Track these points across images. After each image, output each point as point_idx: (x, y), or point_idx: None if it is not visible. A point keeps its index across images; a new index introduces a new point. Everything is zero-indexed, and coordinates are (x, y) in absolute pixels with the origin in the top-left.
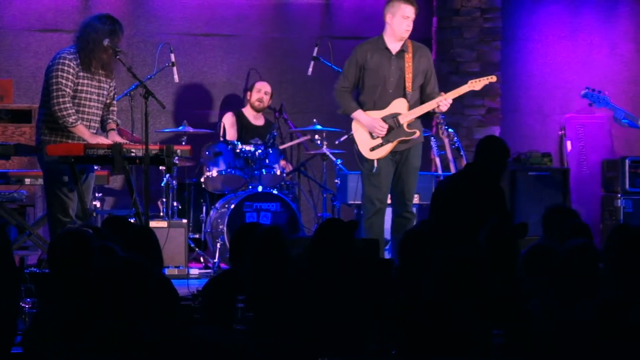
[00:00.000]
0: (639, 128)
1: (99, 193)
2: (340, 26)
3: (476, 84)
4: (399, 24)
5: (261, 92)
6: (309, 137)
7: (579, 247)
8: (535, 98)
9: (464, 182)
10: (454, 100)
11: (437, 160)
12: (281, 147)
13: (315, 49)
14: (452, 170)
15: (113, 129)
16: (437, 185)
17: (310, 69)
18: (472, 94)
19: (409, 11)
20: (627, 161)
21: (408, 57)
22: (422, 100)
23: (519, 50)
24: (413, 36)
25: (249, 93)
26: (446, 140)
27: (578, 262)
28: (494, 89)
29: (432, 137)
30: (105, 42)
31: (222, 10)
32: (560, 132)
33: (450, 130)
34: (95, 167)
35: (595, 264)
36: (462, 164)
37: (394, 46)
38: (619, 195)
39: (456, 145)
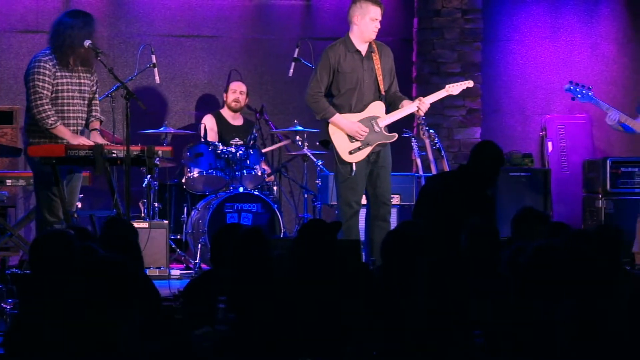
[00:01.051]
0: (633, 131)
1: (80, 194)
2: (320, 27)
3: (453, 89)
4: (367, 26)
5: (236, 92)
6: (290, 140)
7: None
8: (516, 99)
9: (456, 184)
10: (436, 101)
11: (418, 161)
12: (264, 150)
13: (296, 50)
14: (433, 171)
15: (96, 129)
16: (426, 182)
17: (291, 70)
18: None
19: (378, 13)
20: (608, 162)
21: (376, 57)
22: (388, 101)
23: (499, 51)
24: (394, 37)
25: (225, 94)
26: (427, 141)
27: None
28: (475, 90)
29: (413, 138)
30: (87, 43)
31: (203, 12)
32: (541, 133)
33: (431, 131)
34: None
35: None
36: (443, 165)
37: (362, 47)
38: (600, 196)
39: (437, 146)
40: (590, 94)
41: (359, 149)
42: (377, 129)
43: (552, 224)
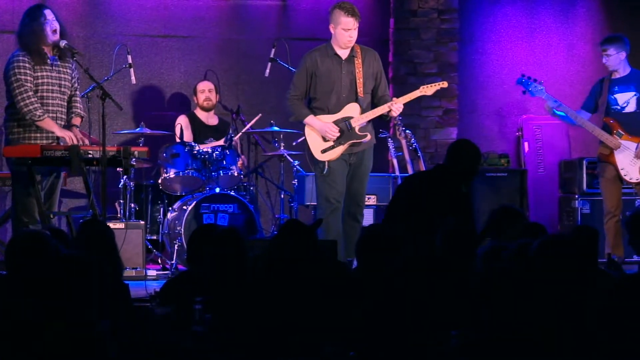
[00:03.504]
0: (574, 123)
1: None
2: (297, 27)
3: (428, 90)
4: (340, 35)
5: (205, 92)
6: (260, 115)
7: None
8: (492, 99)
9: (433, 182)
10: (412, 101)
11: (395, 161)
12: (235, 138)
13: (272, 51)
14: (410, 171)
15: (76, 126)
16: (402, 181)
17: (268, 71)
18: (429, 94)
19: (349, 23)
20: (584, 162)
21: (358, 62)
22: (375, 104)
23: (476, 51)
24: (370, 37)
25: (194, 98)
26: (403, 142)
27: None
28: (451, 90)
29: (390, 139)
30: (62, 43)
31: (179, 12)
32: (517, 133)
33: (407, 131)
34: None
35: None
36: (420, 165)
37: (342, 52)
38: (577, 196)
39: (414, 146)
40: (542, 89)
41: (331, 147)
42: (349, 129)
43: (529, 224)
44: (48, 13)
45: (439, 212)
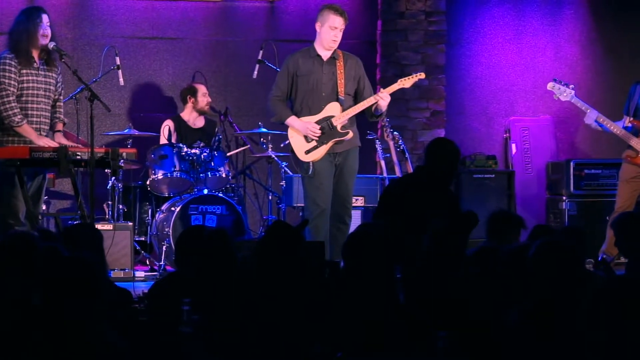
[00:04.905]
0: (607, 130)
1: (44, 196)
2: (285, 29)
3: (406, 82)
4: (326, 34)
5: (206, 95)
6: (248, 146)
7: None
8: (480, 101)
9: (415, 185)
10: (399, 103)
11: (382, 163)
12: (228, 154)
13: (260, 52)
14: (397, 172)
15: (59, 131)
16: (388, 185)
17: (256, 72)
18: (417, 96)
19: (337, 22)
20: (571, 164)
21: (339, 63)
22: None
23: (463, 53)
24: (358, 39)
25: (192, 99)
26: (391, 143)
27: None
28: (439, 92)
29: (377, 140)
30: (51, 45)
31: (168, 13)
32: (505, 135)
33: (395, 133)
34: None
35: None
36: (407, 167)
37: (324, 54)
38: (564, 198)
39: (401, 147)
40: (572, 92)
41: (314, 148)
42: (331, 127)
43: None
44: (45, 17)
45: (428, 214)
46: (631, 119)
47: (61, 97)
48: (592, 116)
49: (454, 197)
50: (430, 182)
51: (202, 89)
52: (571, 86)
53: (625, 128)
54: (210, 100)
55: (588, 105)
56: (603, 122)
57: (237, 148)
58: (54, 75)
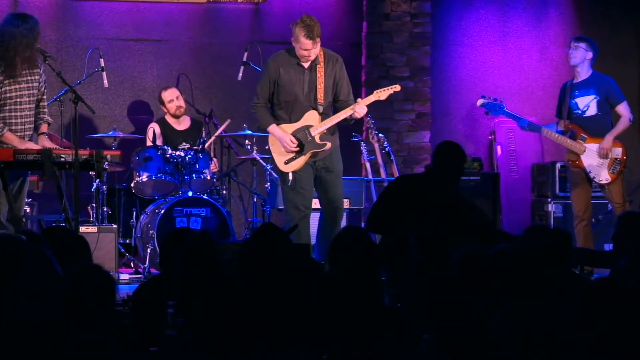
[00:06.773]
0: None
1: (28, 198)
2: (270, 31)
3: (382, 94)
4: (299, 52)
5: (173, 100)
6: (228, 121)
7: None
8: (465, 103)
9: (423, 187)
10: (384, 105)
11: (368, 164)
12: (207, 143)
13: (245, 54)
14: (382, 174)
15: (44, 133)
16: (389, 185)
17: (240, 74)
18: (402, 98)
19: (307, 45)
20: (557, 165)
21: (320, 68)
22: (337, 108)
23: (448, 54)
24: (343, 41)
25: (162, 107)
26: (376, 145)
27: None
28: (424, 94)
29: (362, 142)
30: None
31: (152, 15)
32: (490, 137)
33: (380, 135)
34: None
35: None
36: (393, 169)
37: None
38: (549, 200)
39: (386, 149)
40: (503, 107)
41: (293, 158)
42: (309, 138)
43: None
44: (38, 29)
45: (438, 214)
46: (567, 122)
47: (44, 97)
48: (522, 124)
49: (467, 200)
50: (446, 183)
51: (168, 96)
52: (500, 100)
53: (563, 133)
54: (182, 104)
55: (524, 120)
56: (547, 134)
57: (221, 151)
58: (36, 77)
